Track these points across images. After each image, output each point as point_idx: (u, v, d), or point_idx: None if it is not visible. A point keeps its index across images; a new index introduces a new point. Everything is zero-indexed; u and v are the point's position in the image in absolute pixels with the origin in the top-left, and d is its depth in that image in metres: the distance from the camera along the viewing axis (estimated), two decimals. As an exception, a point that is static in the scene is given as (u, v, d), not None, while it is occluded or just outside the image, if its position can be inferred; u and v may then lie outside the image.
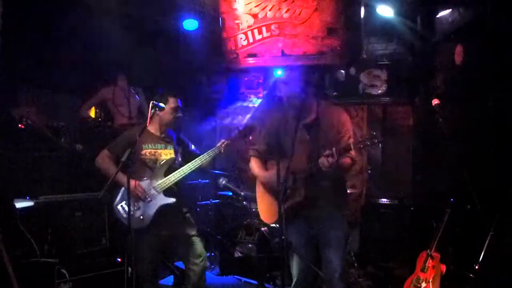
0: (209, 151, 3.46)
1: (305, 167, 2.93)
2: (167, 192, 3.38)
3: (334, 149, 2.75)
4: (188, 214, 3.56)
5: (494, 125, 3.58)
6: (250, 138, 3.52)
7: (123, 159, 2.95)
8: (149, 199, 3.33)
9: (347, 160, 2.97)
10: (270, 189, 3.18)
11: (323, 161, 2.77)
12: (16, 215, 3.65)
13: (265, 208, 3.25)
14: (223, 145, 3.46)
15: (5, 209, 3.66)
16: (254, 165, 3.30)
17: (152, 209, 3.33)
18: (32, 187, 4.11)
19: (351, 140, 2.94)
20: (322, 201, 3.01)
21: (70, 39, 5.20)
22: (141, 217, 3.29)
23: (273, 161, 3.11)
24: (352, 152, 2.90)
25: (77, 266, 3.66)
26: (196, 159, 3.43)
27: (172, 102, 3.42)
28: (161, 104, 3.31)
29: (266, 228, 4.67)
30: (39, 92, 5.33)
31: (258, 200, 3.29)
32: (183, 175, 3.40)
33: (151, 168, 3.40)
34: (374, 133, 2.82)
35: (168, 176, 3.38)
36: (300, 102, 2.97)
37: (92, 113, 5.80)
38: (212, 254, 5.39)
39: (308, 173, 2.93)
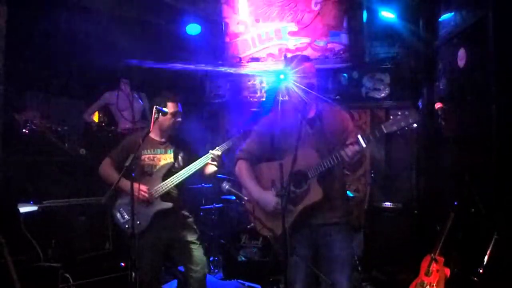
0: (202, 157, 3.41)
1: (318, 161, 2.62)
2: (165, 196, 3.38)
3: (359, 135, 2.46)
4: (190, 220, 3.54)
5: (497, 128, 3.57)
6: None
7: (127, 163, 2.94)
8: (148, 203, 3.33)
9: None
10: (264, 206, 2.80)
11: (346, 150, 2.47)
12: (20, 219, 3.67)
13: (270, 218, 2.81)
14: (215, 155, 3.38)
15: (9, 214, 3.68)
16: (243, 171, 2.93)
17: (149, 214, 3.33)
18: (36, 191, 4.13)
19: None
20: (334, 205, 2.75)
21: (74, 43, 5.23)
22: (138, 222, 3.28)
23: (266, 163, 2.89)
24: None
25: (81, 271, 3.67)
26: (191, 165, 3.41)
27: (171, 107, 3.38)
28: (165, 109, 3.31)
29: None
30: (42, 97, 5.35)
31: (256, 209, 2.89)
32: (179, 180, 3.39)
33: (149, 174, 3.41)
34: (407, 112, 2.41)
35: (165, 181, 3.37)
36: (301, 97, 2.71)
37: (96, 117, 5.83)
38: (216, 258, 5.38)
39: (328, 166, 2.59)
